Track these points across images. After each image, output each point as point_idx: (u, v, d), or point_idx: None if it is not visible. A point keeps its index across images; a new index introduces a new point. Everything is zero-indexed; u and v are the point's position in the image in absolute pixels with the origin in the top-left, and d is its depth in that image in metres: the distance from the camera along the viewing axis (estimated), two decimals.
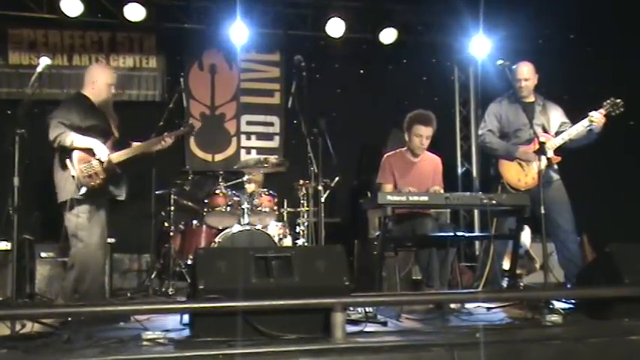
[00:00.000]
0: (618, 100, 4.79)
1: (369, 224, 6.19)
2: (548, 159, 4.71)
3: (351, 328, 3.20)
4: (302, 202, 6.08)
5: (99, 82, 4.49)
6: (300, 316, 3.03)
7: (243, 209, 5.53)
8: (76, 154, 4.25)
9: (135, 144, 4.56)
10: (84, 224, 4.24)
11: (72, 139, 4.23)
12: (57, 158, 4.32)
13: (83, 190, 4.20)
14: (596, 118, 4.77)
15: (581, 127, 4.83)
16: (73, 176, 4.21)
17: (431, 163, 5.12)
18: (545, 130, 4.95)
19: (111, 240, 5.42)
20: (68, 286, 4.28)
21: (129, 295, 5.48)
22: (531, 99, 5.03)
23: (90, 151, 4.29)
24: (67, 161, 4.23)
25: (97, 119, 4.42)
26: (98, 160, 4.28)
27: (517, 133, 5.01)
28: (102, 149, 4.31)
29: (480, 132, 5.21)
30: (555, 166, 4.96)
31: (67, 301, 4.23)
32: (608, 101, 4.80)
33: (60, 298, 4.51)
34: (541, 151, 4.28)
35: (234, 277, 3.06)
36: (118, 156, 4.40)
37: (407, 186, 4.82)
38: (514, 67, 4.93)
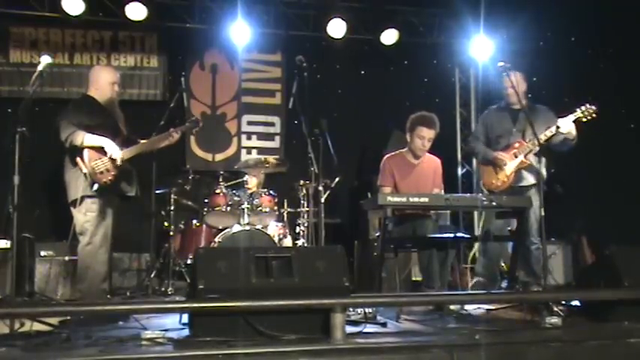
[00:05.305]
0: (591, 106, 4.74)
1: (369, 225, 6.19)
2: (521, 163, 4.88)
3: (350, 329, 3.19)
4: (302, 202, 6.07)
5: (102, 81, 4.59)
6: (299, 316, 3.03)
7: (243, 209, 5.52)
8: (86, 152, 4.34)
9: (142, 141, 4.63)
10: (91, 222, 4.34)
11: (82, 137, 4.32)
12: (67, 158, 4.41)
13: (95, 186, 4.30)
14: (564, 125, 4.73)
15: (550, 133, 4.81)
16: (85, 174, 4.30)
17: (431, 164, 5.12)
18: (523, 137, 4.97)
19: None
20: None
21: (128, 294, 5.47)
22: (517, 106, 4.97)
23: (100, 149, 4.38)
24: (78, 159, 4.32)
25: (104, 118, 4.52)
26: (109, 157, 4.37)
27: (498, 140, 5.13)
28: (112, 146, 4.40)
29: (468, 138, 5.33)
30: (531, 170, 4.94)
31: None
32: (582, 108, 4.76)
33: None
34: (514, 155, 4.67)
35: (234, 277, 3.06)
36: (128, 152, 4.49)
37: (407, 188, 4.81)
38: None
